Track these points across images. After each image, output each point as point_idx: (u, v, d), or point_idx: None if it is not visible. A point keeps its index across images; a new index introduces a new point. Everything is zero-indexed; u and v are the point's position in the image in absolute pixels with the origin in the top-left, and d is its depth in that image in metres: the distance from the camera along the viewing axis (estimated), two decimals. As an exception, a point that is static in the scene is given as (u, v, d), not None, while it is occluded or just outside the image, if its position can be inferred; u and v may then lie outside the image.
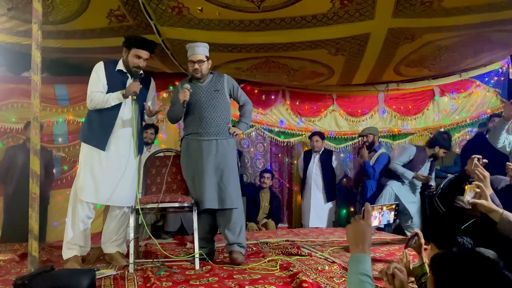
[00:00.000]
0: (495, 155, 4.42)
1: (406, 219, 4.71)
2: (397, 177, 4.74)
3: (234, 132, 3.13)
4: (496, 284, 0.95)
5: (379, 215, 1.66)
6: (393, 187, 4.64)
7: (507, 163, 3.49)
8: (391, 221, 1.77)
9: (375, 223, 1.63)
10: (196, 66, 3.11)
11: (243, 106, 3.34)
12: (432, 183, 4.70)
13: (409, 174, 4.61)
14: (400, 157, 4.77)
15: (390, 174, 4.82)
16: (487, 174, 2.20)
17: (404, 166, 4.68)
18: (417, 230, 2.18)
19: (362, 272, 1.23)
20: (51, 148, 4.86)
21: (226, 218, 3.09)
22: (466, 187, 2.15)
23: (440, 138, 4.59)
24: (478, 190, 2.08)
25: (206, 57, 3.15)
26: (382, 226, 4.52)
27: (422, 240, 2.13)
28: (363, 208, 1.38)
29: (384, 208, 1.70)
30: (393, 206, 1.74)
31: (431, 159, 4.69)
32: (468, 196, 2.10)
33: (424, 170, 4.67)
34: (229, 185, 3.08)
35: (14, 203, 4.29)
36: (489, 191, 2.16)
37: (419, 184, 4.70)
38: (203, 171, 3.06)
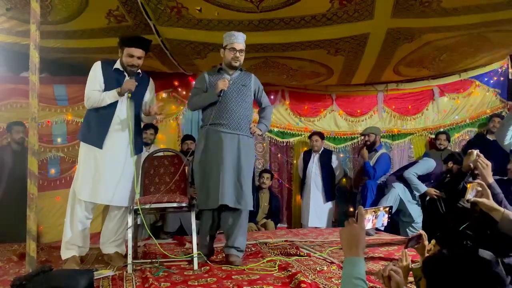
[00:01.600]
0: (495, 156, 4.42)
1: (409, 221, 4.70)
2: (404, 180, 4.70)
3: (254, 131, 3.12)
4: (488, 285, 0.95)
5: (373, 218, 1.65)
6: (399, 190, 4.61)
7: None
8: (385, 224, 1.77)
9: (369, 226, 1.62)
10: (238, 54, 3.11)
11: (265, 109, 3.34)
12: None
13: (422, 188, 4.50)
14: (417, 168, 4.66)
15: (400, 177, 4.79)
16: (488, 162, 2.21)
17: (418, 177, 4.61)
18: (421, 231, 2.17)
19: (356, 276, 1.23)
20: (50, 148, 4.86)
21: (233, 219, 3.05)
22: (468, 185, 2.14)
23: (457, 155, 4.33)
24: (480, 188, 2.07)
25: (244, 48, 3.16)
26: (382, 228, 4.50)
27: (426, 242, 2.11)
28: (356, 211, 1.38)
29: (380, 209, 1.69)
30: (387, 209, 1.73)
31: (447, 175, 4.48)
32: (470, 195, 2.10)
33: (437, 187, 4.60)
34: (245, 185, 3.03)
35: (2, 203, 4.27)
36: (490, 179, 2.17)
37: (422, 189, 4.66)
38: (222, 166, 2.98)
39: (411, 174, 4.60)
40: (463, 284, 0.96)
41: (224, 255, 3.17)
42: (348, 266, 1.28)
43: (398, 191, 4.59)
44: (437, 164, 4.62)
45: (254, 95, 3.26)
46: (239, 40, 3.12)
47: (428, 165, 4.67)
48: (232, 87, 3.11)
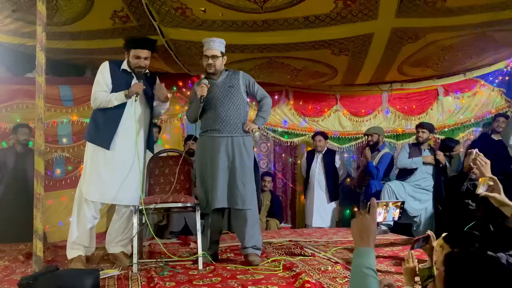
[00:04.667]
0: (498, 156, 4.42)
1: (408, 219, 4.69)
2: (400, 177, 4.75)
3: (249, 128, 3.11)
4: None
5: (384, 212, 1.66)
6: (391, 185, 4.63)
7: None
8: (396, 218, 1.78)
9: (379, 219, 1.62)
10: (210, 61, 3.07)
11: (261, 101, 3.28)
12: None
13: (417, 160, 4.70)
14: (400, 159, 4.91)
15: (400, 174, 4.90)
16: (487, 160, 2.21)
17: (401, 171, 4.83)
18: (429, 232, 2.17)
19: (366, 266, 1.22)
20: (56, 149, 4.90)
21: (239, 219, 3.06)
22: (480, 179, 2.13)
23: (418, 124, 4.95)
24: (491, 183, 2.06)
25: (221, 52, 3.11)
26: (391, 223, 4.49)
27: (434, 243, 2.10)
28: (368, 203, 1.37)
29: (390, 204, 1.70)
30: (399, 204, 1.74)
31: (425, 147, 4.81)
32: (481, 189, 2.09)
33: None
34: (242, 185, 3.03)
35: (3, 204, 4.30)
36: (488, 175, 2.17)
37: (429, 183, 4.67)
38: (216, 170, 3.02)
39: (402, 163, 4.82)
40: (483, 284, 0.96)
41: (228, 255, 3.18)
42: (359, 257, 1.27)
43: (390, 186, 4.62)
44: (410, 145, 4.96)
45: (247, 92, 3.22)
46: (210, 46, 3.07)
47: (405, 148, 4.95)
48: (219, 91, 3.11)
